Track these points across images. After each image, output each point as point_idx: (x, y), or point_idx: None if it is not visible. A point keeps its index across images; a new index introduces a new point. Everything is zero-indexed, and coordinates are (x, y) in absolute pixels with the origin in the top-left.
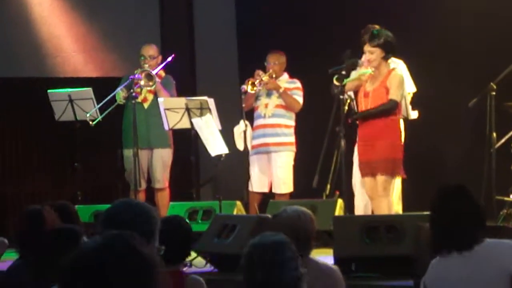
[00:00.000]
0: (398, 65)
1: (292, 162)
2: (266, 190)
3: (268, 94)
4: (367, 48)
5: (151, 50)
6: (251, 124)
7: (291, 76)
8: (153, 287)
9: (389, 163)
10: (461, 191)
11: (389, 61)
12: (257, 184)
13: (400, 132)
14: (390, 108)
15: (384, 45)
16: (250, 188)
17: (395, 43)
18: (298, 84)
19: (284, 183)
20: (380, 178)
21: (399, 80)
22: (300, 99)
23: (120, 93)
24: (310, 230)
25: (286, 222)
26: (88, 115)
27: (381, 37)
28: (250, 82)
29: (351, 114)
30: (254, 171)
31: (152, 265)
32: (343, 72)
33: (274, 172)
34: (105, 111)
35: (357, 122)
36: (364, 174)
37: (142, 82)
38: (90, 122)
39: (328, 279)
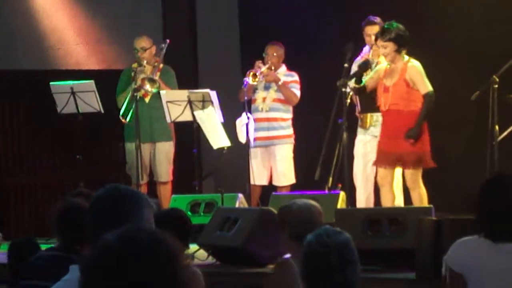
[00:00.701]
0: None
1: (291, 154)
2: (265, 183)
3: (266, 87)
4: (379, 43)
5: (142, 42)
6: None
7: (289, 68)
8: (179, 281)
9: (417, 156)
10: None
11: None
12: (257, 177)
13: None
14: (431, 101)
15: (396, 38)
16: (253, 181)
17: (408, 36)
18: (296, 77)
19: (284, 176)
20: (408, 171)
21: (419, 71)
22: (298, 92)
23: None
24: (319, 223)
25: (297, 214)
26: (121, 114)
27: (392, 31)
28: (251, 74)
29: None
30: (254, 164)
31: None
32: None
33: (274, 165)
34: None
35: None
36: (380, 163)
37: (147, 87)
38: (123, 120)
39: None
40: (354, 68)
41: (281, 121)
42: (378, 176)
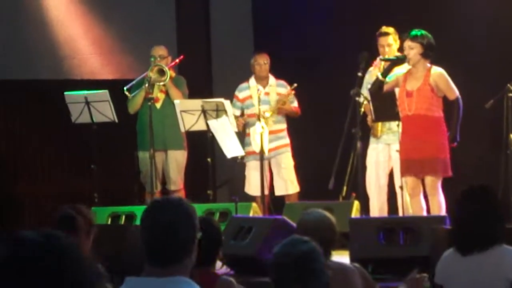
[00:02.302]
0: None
1: (292, 162)
2: (266, 192)
3: (263, 102)
4: (407, 43)
5: (160, 51)
6: (244, 131)
7: (276, 77)
8: None
9: (439, 164)
10: (485, 192)
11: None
12: (255, 188)
13: (446, 130)
14: (460, 105)
15: (424, 43)
16: (247, 191)
17: (434, 46)
18: (288, 86)
19: (289, 184)
20: (429, 178)
21: (446, 77)
22: (296, 104)
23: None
24: (334, 234)
25: (312, 226)
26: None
27: (423, 36)
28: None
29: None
30: (253, 175)
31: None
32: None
33: (280, 174)
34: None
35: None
36: (406, 173)
37: (154, 77)
38: (127, 93)
39: (343, 278)
40: (368, 78)
41: (278, 132)
42: (408, 187)
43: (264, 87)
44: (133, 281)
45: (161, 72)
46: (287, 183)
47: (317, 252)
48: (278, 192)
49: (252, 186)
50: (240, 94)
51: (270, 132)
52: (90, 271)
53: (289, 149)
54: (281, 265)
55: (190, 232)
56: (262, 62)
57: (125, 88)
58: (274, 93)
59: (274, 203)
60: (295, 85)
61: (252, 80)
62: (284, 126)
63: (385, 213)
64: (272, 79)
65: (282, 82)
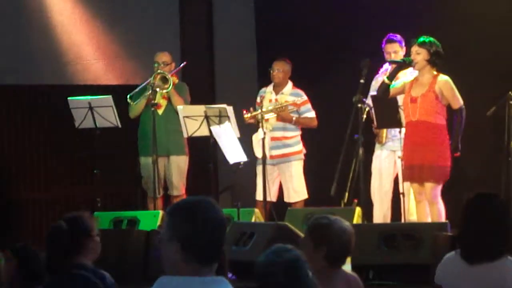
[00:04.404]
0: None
1: (302, 170)
2: (274, 199)
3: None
4: (414, 48)
5: (164, 57)
6: (245, 138)
7: (295, 85)
8: None
9: (438, 171)
10: (496, 201)
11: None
12: (259, 193)
13: (448, 138)
14: (462, 115)
15: (431, 49)
16: (257, 197)
17: (442, 54)
18: (303, 96)
19: (296, 192)
20: (428, 185)
21: (452, 86)
22: (312, 114)
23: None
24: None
25: (338, 237)
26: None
27: (431, 42)
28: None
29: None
30: (257, 180)
31: None
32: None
33: (285, 182)
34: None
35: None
36: (410, 179)
37: (156, 84)
38: (130, 101)
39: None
40: (374, 84)
41: (285, 139)
42: (414, 193)
43: (277, 93)
44: (171, 280)
45: (164, 80)
46: (293, 191)
47: (302, 260)
48: (285, 199)
49: (257, 191)
50: (258, 97)
51: (275, 139)
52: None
53: (299, 156)
54: (268, 274)
55: (225, 232)
56: (276, 68)
57: (128, 96)
58: (283, 100)
59: (279, 209)
60: (301, 99)
61: (270, 86)
62: (293, 133)
63: (388, 220)
64: (288, 86)
65: (298, 91)
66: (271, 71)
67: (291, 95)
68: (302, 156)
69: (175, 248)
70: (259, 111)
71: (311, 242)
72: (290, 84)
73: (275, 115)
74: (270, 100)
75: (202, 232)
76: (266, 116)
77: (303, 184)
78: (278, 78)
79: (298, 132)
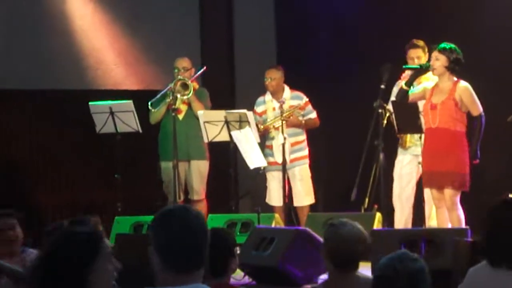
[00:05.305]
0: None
1: (309, 174)
2: (281, 204)
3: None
4: (434, 54)
5: (184, 62)
6: (263, 143)
7: (296, 88)
8: None
9: (458, 178)
10: None
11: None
12: (276, 198)
13: (467, 145)
14: (482, 122)
15: (450, 55)
16: (268, 202)
17: (462, 61)
18: (304, 98)
19: (305, 196)
20: (448, 192)
21: (471, 92)
22: (314, 114)
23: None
24: (365, 247)
25: (347, 238)
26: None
27: (452, 49)
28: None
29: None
30: (272, 186)
31: None
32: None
33: (295, 186)
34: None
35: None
36: (429, 185)
37: (177, 90)
38: (151, 108)
39: None
40: (395, 90)
41: (296, 145)
42: (433, 199)
43: (277, 100)
44: None
45: (185, 86)
46: (300, 195)
47: (425, 273)
48: (295, 203)
49: (272, 197)
50: (258, 108)
51: (292, 144)
52: None
53: (306, 161)
54: (388, 278)
55: (207, 238)
56: (269, 77)
57: (149, 103)
58: (287, 106)
59: (296, 214)
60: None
61: (268, 95)
62: (300, 138)
63: (409, 226)
64: (286, 91)
65: (298, 93)
66: (265, 81)
67: (292, 99)
68: (308, 160)
69: (156, 259)
70: (269, 121)
71: (323, 245)
72: (287, 89)
73: (285, 122)
74: (274, 108)
75: (178, 240)
76: (276, 124)
77: (311, 188)
78: (272, 86)
79: (305, 136)
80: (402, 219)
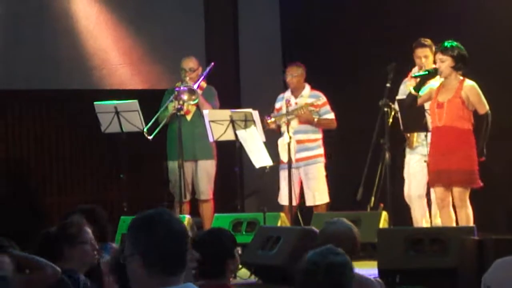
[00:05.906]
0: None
1: (324, 173)
2: (294, 203)
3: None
4: (438, 56)
5: (190, 63)
6: (269, 142)
7: (313, 87)
8: None
9: (466, 175)
10: None
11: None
12: (285, 197)
13: (474, 142)
14: (488, 120)
15: (455, 55)
16: (279, 201)
17: (467, 58)
18: (323, 97)
19: (317, 195)
20: (456, 189)
21: (478, 91)
22: (331, 115)
23: (171, 104)
24: (356, 246)
25: (334, 236)
26: (145, 129)
27: (454, 48)
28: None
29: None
30: (282, 185)
31: None
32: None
33: (307, 185)
34: (159, 124)
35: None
36: (435, 184)
37: (185, 97)
38: (148, 137)
39: None
40: (403, 88)
41: (308, 142)
42: (437, 198)
43: (296, 97)
44: None
45: (191, 92)
46: (315, 194)
47: (350, 267)
48: (307, 202)
49: (282, 196)
50: (276, 104)
51: (299, 142)
52: None
53: (321, 159)
54: (308, 272)
55: (189, 240)
56: (289, 74)
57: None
58: (303, 103)
59: (304, 213)
60: (320, 100)
61: (288, 92)
62: (316, 136)
63: (428, 224)
64: (306, 89)
65: (317, 93)
66: (286, 78)
67: (310, 97)
68: (323, 159)
69: (138, 263)
70: (282, 115)
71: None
72: (307, 87)
73: (297, 117)
74: (291, 105)
75: (164, 244)
76: (283, 122)
77: (325, 187)
78: (293, 83)
79: (320, 135)
80: (419, 218)
